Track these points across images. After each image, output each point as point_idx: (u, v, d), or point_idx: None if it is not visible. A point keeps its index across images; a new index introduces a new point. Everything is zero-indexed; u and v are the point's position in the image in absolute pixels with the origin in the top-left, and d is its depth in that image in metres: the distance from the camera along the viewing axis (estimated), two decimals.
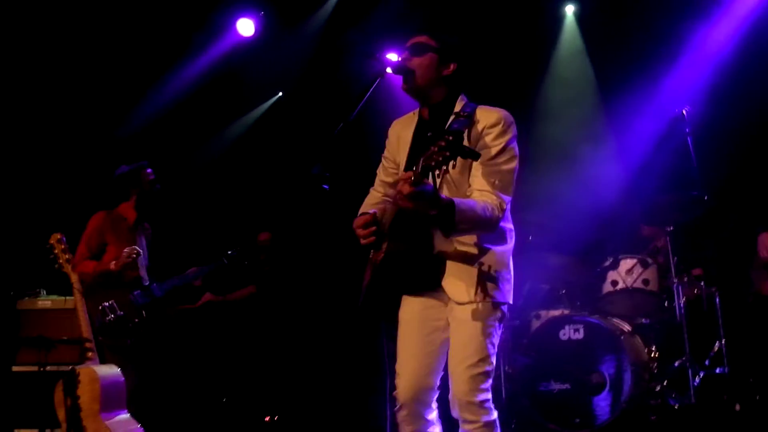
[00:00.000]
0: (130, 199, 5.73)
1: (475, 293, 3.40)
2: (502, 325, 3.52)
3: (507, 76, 7.35)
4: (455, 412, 3.42)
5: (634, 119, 7.10)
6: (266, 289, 7.24)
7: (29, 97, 7.34)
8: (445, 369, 3.55)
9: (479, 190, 3.36)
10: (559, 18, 7.92)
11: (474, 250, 3.43)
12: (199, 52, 8.06)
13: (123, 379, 4.80)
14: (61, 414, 4.60)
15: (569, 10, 7.89)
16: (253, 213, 7.95)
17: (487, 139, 3.41)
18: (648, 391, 5.77)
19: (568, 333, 5.91)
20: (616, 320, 5.99)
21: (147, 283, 5.58)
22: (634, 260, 6.20)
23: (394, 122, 3.79)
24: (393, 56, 3.61)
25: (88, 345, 4.79)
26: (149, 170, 5.77)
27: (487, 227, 3.37)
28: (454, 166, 3.13)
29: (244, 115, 8.76)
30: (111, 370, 4.77)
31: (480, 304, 3.40)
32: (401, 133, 3.70)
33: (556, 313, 6.22)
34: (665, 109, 6.51)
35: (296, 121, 8.24)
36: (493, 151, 3.40)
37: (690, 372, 5.75)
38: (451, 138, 2.95)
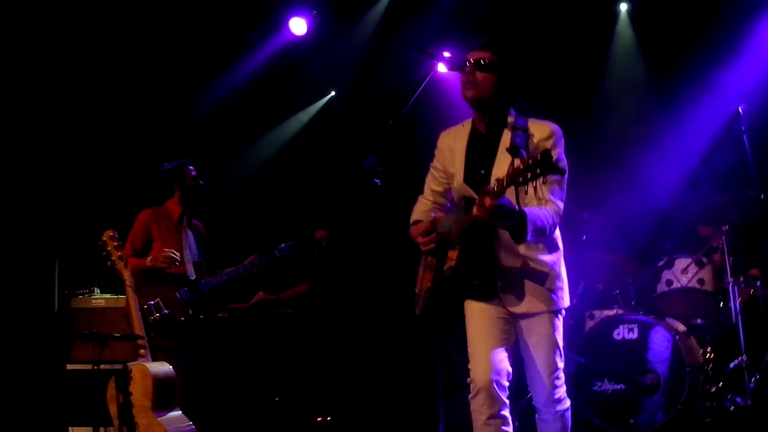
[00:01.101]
0: (174, 195, 5.80)
1: (533, 305, 3.65)
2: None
3: (561, 76, 7.28)
4: (539, 404, 3.78)
5: (690, 117, 6.98)
6: (319, 287, 7.26)
7: (90, 94, 7.45)
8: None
9: (539, 199, 3.55)
10: (612, 16, 7.82)
11: (531, 262, 3.65)
12: (255, 50, 8.13)
13: (175, 376, 4.85)
14: (113, 410, 4.65)
15: (623, 7, 7.79)
16: (308, 210, 7.99)
17: (545, 149, 3.47)
18: (703, 392, 5.68)
19: (622, 333, 5.86)
20: (670, 320, 5.92)
21: (193, 279, 5.62)
22: (690, 260, 6.08)
23: (443, 133, 3.94)
24: (446, 53, 3.64)
25: (140, 342, 4.84)
26: (191, 167, 5.83)
27: (547, 235, 3.58)
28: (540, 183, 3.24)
29: (297, 112, 8.80)
30: (163, 368, 4.82)
31: (542, 316, 3.67)
32: (453, 145, 3.84)
33: (610, 312, 6.18)
34: (721, 107, 6.38)
35: (349, 120, 8.25)
36: None
37: (746, 374, 5.62)
38: (540, 158, 3.11)
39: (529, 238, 3.42)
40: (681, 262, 6.11)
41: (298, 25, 7.99)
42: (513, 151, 3.36)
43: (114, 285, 5.74)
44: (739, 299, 5.79)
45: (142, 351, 4.82)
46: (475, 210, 3.37)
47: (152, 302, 5.35)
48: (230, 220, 8.07)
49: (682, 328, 5.85)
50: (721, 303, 6.01)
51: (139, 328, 4.89)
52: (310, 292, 7.26)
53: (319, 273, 7.34)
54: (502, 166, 3.54)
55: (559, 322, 3.74)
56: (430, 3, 7.55)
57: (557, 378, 3.74)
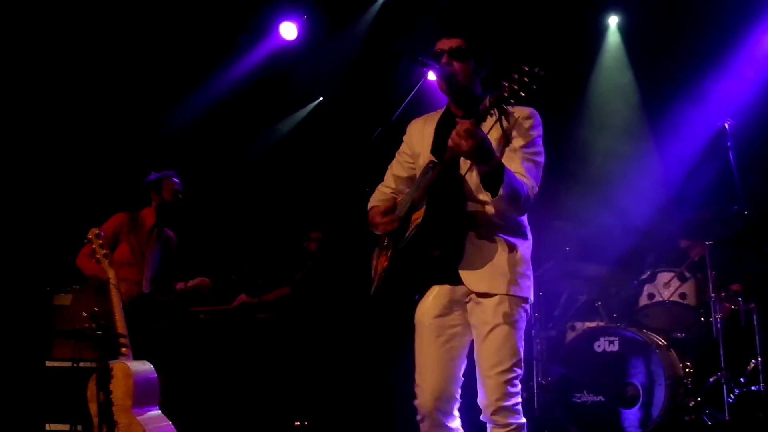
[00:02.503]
0: (152, 204, 5.80)
1: (495, 284, 3.39)
2: (526, 323, 3.49)
3: (548, 88, 7.28)
4: (485, 417, 3.41)
5: (676, 132, 7.04)
6: (303, 288, 7.26)
7: (75, 96, 7.44)
8: (466, 375, 3.53)
9: (516, 173, 3.35)
10: (602, 29, 7.86)
11: (496, 241, 3.44)
12: (242, 55, 8.12)
13: (156, 375, 4.83)
14: (93, 408, 4.62)
15: (613, 21, 7.83)
16: (296, 215, 7.99)
17: (523, 128, 3.46)
18: (682, 406, 5.70)
19: (603, 345, 5.86)
20: (651, 334, 5.93)
21: (147, 293, 5.58)
22: (672, 274, 6.13)
23: (413, 121, 3.81)
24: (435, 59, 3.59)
25: (122, 341, 4.82)
26: (176, 180, 5.85)
27: (521, 204, 3.36)
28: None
29: (284, 118, 8.79)
30: (144, 366, 4.80)
31: (502, 299, 3.39)
32: (423, 128, 3.72)
33: (591, 324, 6.19)
34: (708, 123, 6.43)
35: (337, 126, 8.26)
36: (527, 139, 3.45)
37: (725, 388, 5.66)
38: (527, 69, 3.01)
39: (504, 190, 3.20)
40: (663, 276, 6.16)
41: (288, 30, 7.99)
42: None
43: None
44: (720, 314, 5.84)
45: (124, 350, 4.80)
46: (450, 139, 3.17)
47: (97, 310, 5.33)
48: (217, 225, 8.07)
49: (662, 341, 5.87)
50: (703, 317, 6.05)
51: (121, 326, 4.86)
52: (292, 294, 7.25)
53: (305, 273, 7.35)
54: None
55: (520, 318, 3.41)
56: (421, 10, 7.57)
57: (510, 384, 3.34)
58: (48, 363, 5.79)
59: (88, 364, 5.24)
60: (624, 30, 7.80)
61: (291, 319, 7.10)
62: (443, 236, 3.44)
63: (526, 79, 3.03)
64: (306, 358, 6.93)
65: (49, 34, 7.15)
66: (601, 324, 6.13)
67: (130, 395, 4.60)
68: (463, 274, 3.43)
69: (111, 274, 4.99)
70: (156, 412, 4.79)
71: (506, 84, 3.06)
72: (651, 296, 6.17)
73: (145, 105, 7.77)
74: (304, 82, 8.45)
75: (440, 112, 3.72)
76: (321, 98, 8.83)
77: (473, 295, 3.45)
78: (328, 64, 8.25)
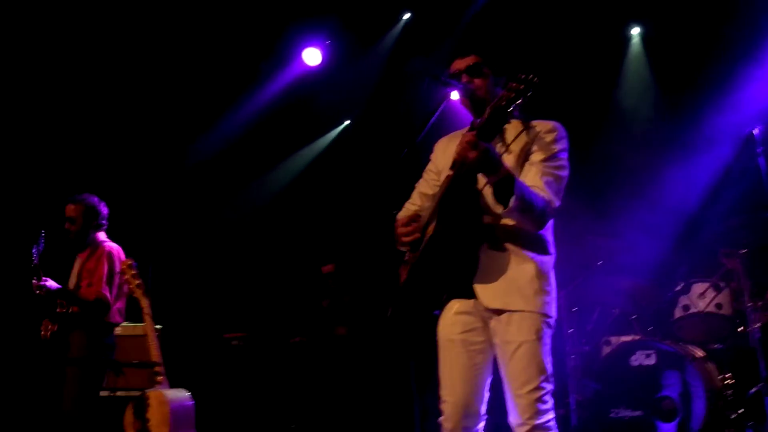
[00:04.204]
0: None
1: (510, 300, 3.34)
2: (551, 338, 3.43)
3: (572, 100, 7.29)
4: None
5: (704, 140, 6.97)
6: (332, 315, 7.27)
7: (105, 127, 7.57)
8: (492, 391, 3.49)
9: (532, 186, 3.32)
10: (624, 40, 7.83)
11: (512, 255, 3.39)
12: (266, 82, 8.19)
13: (192, 402, 4.86)
14: None
15: (635, 31, 7.78)
16: (322, 241, 8.01)
17: (544, 141, 3.44)
18: (723, 419, 5.61)
19: (639, 359, 5.79)
20: (688, 346, 5.86)
21: None
22: (707, 284, 6.05)
23: (439, 140, 3.82)
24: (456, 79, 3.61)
25: (158, 369, 4.87)
26: (68, 206, 5.77)
27: (536, 218, 3.32)
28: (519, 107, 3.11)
29: (311, 142, 8.84)
30: (180, 394, 4.84)
31: (523, 316, 3.34)
32: (448, 145, 3.71)
33: (626, 338, 6.12)
34: (736, 129, 6.38)
35: (364, 149, 8.29)
36: (549, 153, 3.42)
37: (766, 399, 5.56)
38: (522, 76, 3.04)
39: (514, 202, 3.16)
40: (698, 287, 6.08)
41: (312, 56, 8.05)
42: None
43: (129, 313, 5.77)
44: (758, 323, 5.76)
45: (160, 378, 4.84)
46: (455, 152, 3.21)
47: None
48: (246, 248, 8.13)
49: (700, 353, 5.80)
50: (740, 327, 5.97)
51: (156, 355, 4.91)
52: (324, 319, 7.27)
53: (332, 300, 7.37)
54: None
55: (544, 333, 3.36)
56: (443, 30, 7.60)
57: (540, 401, 3.30)
58: None
59: (123, 393, 5.29)
60: (646, 40, 7.75)
61: (323, 343, 7.11)
62: (456, 249, 3.40)
63: (522, 87, 3.07)
64: (339, 382, 6.93)
65: (76, 66, 7.29)
66: (637, 338, 6.06)
67: (167, 422, 4.64)
68: (478, 288, 3.39)
69: (145, 303, 5.05)
70: None
71: (504, 93, 3.12)
72: (686, 308, 6.09)
73: (170, 136, 7.87)
74: (329, 107, 8.50)
75: (465, 130, 3.70)
76: (348, 122, 8.86)
77: (493, 312, 3.40)
78: (353, 88, 8.30)
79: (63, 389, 5.35)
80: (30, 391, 5.88)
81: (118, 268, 5.54)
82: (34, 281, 5.37)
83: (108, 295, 5.44)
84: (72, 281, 5.62)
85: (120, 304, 5.57)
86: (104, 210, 5.76)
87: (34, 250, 5.48)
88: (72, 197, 5.69)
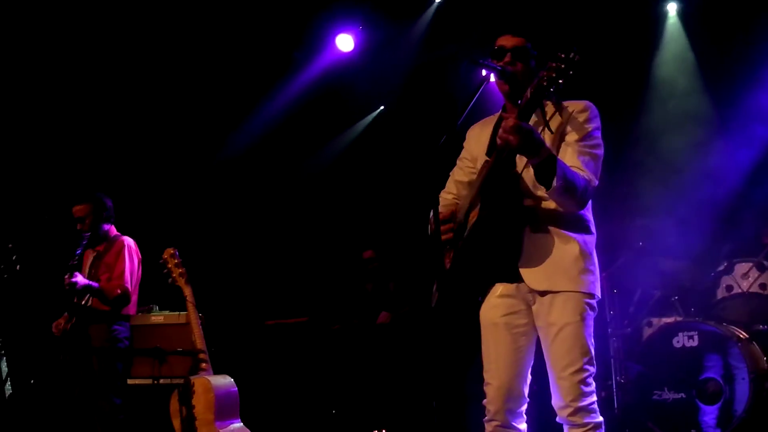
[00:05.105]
0: None
1: (556, 281, 3.33)
2: (595, 318, 3.42)
3: (608, 78, 7.20)
4: (562, 418, 3.37)
5: (745, 116, 6.87)
6: (376, 300, 7.31)
7: (141, 119, 7.65)
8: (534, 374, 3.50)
9: (571, 166, 3.29)
10: (660, 17, 7.69)
11: (555, 236, 3.37)
12: (300, 71, 8.20)
13: (236, 388, 4.91)
14: (177, 423, 4.74)
15: (672, 8, 7.62)
16: (359, 228, 8.04)
17: (577, 121, 3.41)
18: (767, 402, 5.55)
19: (681, 340, 5.75)
20: (731, 327, 5.79)
21: None
22: (750, 264, 5.98)
23: (471, 127, 3.78)
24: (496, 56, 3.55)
25: (202, 356, 4.92)
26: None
27: (577, 197, 3.29)
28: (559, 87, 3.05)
29: (346, 129, 8.85)
30: (224, 380, 4.89)
31: (567, 297, 3.33)
32: (481, 131, 3.69)
33: (668, 320, 6.08)
34: None
35: (400, 134, 8.28)
36: (583, 132, 3.40)
37: None
38: (563, 55, 2.98)
39: (557, 182, 3.14)
40: (741, 267, 6.01)
41: (345, 42, 8.04)
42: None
43: (173, 302, 5.84)
44: None
45: (204, 365, 4.90)
46: (498, 137, 3.15)
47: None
48: (285, 235, 8.18)
49: (743, 334, 5.73)
50: None
51: (200, 342, 4.97)
52: (366, 305, 7.30)
53: (375, 284, 7.40)
54: None
55: (587, 314, 3.34)
56: (476, 11, 7.54)
57: (584, 383, 3.29)
58: (129, 381, 5.94)
59: (167, 381, 5.35)
60: (684, 17, 7.61)
61: (365, 329, 7.14)
62: (500, 234, 3.39)
63: (563, 66, 3.01)
64: (380, 366, 6.96)
65: (108, 65, 7.38)
66: (679, 319, 6.01)
67: (212, 409, 4.68)
68: (524, 272, 3.38)
69: (188, 291, 5.10)
70: (238, 424, 4.87)
71: (544, 73, 3.05)
72: (729, 288, 6.03)
73: (208, 127, 7.93)
74: (363, 93, 8.50)
75: (497, 115, 3.69)
76: (382, 107, 8.85)
77: (537, 295, 3.40)
78: (386, 73, 8.28)
79: (88, 380, 5.53)
80: (52, 384, 5.97)
81: (136, 262, 5.75)
82: (66, 277, 5.48)
83: (129, 289, 5.65)
84: (83, 274, 5.76)
85: (135, 297, 5.78)
86: (109, 202, 5.87)
87: (78, 251, 5.62)
88: (76, 199, 5.83)
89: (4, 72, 7.14)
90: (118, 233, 5.89)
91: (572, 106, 3.43)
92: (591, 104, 3.47)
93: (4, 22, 6.93)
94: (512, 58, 3.48)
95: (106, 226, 5.85)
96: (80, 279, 5.50)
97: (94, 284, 5.59)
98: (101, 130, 7.65)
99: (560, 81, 3.03)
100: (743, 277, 5.97)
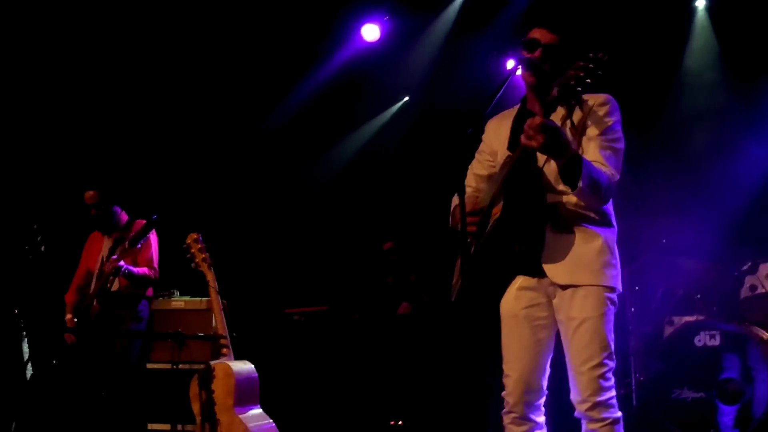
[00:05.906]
0: None
1: (579, 276, 3.34)
2: (615, 313, 3.42)
3: (635, 75, 7.14)
4: (580, 413, 3.37)
5: None
6: (397, 292, 7.31)
7: (170, 106, 7.70)
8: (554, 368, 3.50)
9: (594, 161, 3.30)
10: (689, 13, 7.58)
11: (577, 231, 3.38)
12: (325, 60, 8.20)
13: (256, 374, 4.94)
14: (196, 407, 4.77)
15: (700, 4, 7.50)
16: (382, 219, 8.04)
17: (598, 115, 3.39)
18: None
19: (703, 339, 5.71)
20: (755, 327, 5.75)
21: None
22: None
23: (491, 119, 3.76)
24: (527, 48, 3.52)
25: (223, 341, 4.95)
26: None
27: (601, 194, 3.31)
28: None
29: (370, 120, 8.84)
30: (245, 366, 4.92)
31: (588, 291, 3.34)
32: (500, 125, 3.68)
33: (690, 318, 6.04)
34: None
35: (425, 125, 8.26)
36: (604, 126, 3.38)
37: None
38: (591, 55, 2.97)
39: (583, 183, 3.14)
40: (765, 267, 5.97)
41: (370, 32, 8.01)
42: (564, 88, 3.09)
43: (193, 287, 5.88)
44: None
45: (225, 350, 4.93)
46: (522, 135, 3.14)
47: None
48: (307, 226, 8.20)
49: (766, 335, 5.70)
50: None
51: (222, 328, 5.00)
52: (387, 297, 7.31)
53: (396, 276, 7.40)
54: None
55: (608, 309, 3.35)
56: (503, 4, 7.50)
57: (603, 378, 3.29)
58: (148, 365, 6.00)
59: (187, 366, 5.39)
60: (712, 12, 7.51)
61: (385, 320, 7.15)
62: (523, 229, 3.41)
63: (591, 66, 3.01)
64: (400, 358, 6.96)
65: (140, 58, 7.44)
66: (701, 318, 5.97)
67: (232, 394, 4.71)
68: (546, 267, 3.39)
69: (210, 276, 5.13)
70: (258, 410, 4.89)
71: (572, 72, 3.05)
72: (753, 288, 5.99)
73: (235, 112, 7.96)
74: (388, 83, 8.48)
75: (516, 108, 3.69)
76: (407, 98, 8.83)
77: (558, 288, 3.41)
78: (411, 63, 8.26)
79: (116, 363, 5.66)
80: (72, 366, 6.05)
81: (156, 245, 5.96)
82: (112, 259, 5.63)
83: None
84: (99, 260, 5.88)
85: None
86: (116, 189, 6.02)
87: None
88: (86, 187, 5.98)
89: (37, 53, 7.20)
90: (131, 219, 6.04)
91: (592, 99, 3.42)
92: (611, 97, 3.46)
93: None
94: (543, 54, 3.45)
95: (120, 213, 6.00)
96: (123, 264, 5.60)
97: (138, 270, 5.77)
98: (128, 118, 7.71)
99: (588, 81, 3.03)
100: (767, 278, 5.93)
